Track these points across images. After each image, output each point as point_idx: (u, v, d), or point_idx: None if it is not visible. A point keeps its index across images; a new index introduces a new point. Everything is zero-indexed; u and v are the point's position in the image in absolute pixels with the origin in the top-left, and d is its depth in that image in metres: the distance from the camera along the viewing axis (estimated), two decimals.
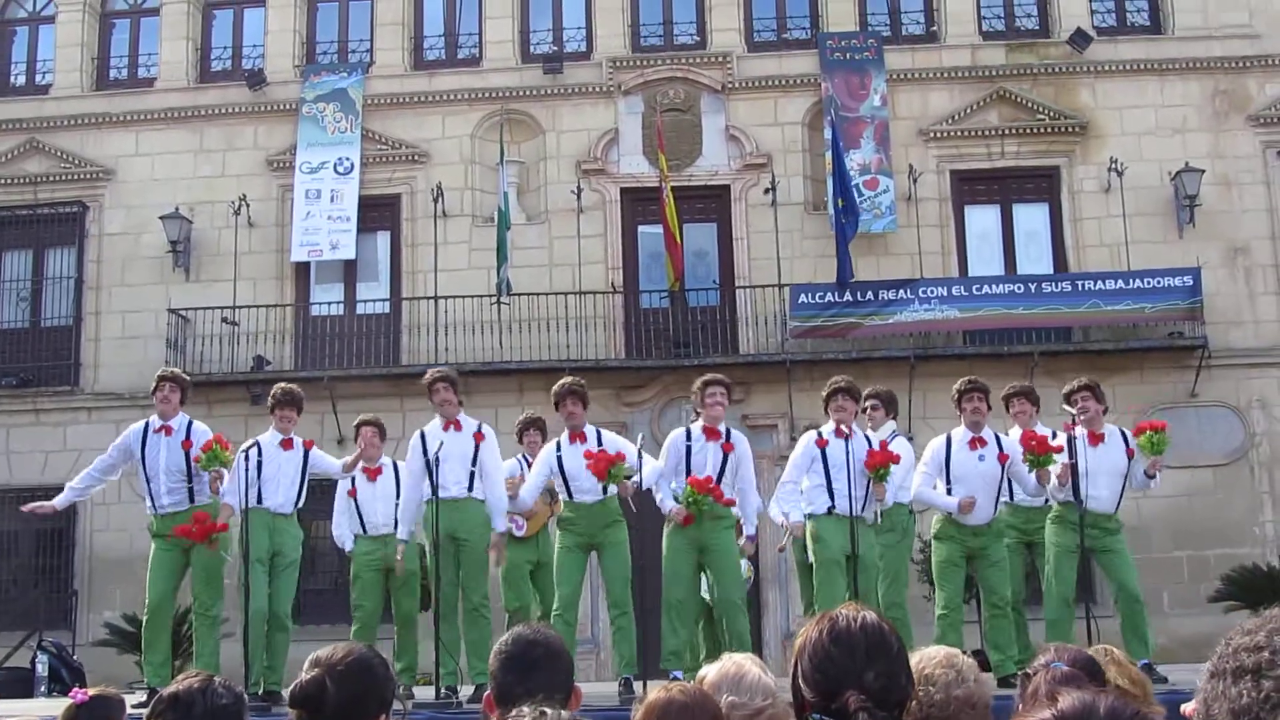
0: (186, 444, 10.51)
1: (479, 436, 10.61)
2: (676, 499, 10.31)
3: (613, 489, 10.35)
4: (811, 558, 10.56)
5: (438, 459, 10.25)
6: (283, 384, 11.34)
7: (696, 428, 10.55)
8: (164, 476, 10.50)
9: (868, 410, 11.60)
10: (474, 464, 10.52)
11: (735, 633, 10.15)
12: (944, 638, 10.42)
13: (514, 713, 2.22)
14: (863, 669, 2.99)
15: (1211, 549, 19.41)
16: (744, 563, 11.54)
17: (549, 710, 2.11)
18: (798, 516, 10.56)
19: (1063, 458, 10.29)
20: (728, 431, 10.55)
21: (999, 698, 4.32)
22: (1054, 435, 10.63)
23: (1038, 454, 10.23)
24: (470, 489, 10.51)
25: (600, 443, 10.49)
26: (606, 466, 10.13)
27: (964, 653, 3.84)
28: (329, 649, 3.58)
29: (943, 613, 10.65)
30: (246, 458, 10.48)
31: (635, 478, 10.27)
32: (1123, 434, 10.68)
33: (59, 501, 10.94)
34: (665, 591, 10.47)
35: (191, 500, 10.50)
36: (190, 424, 10.71)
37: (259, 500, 10.63)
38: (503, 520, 10.67)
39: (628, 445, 10.51)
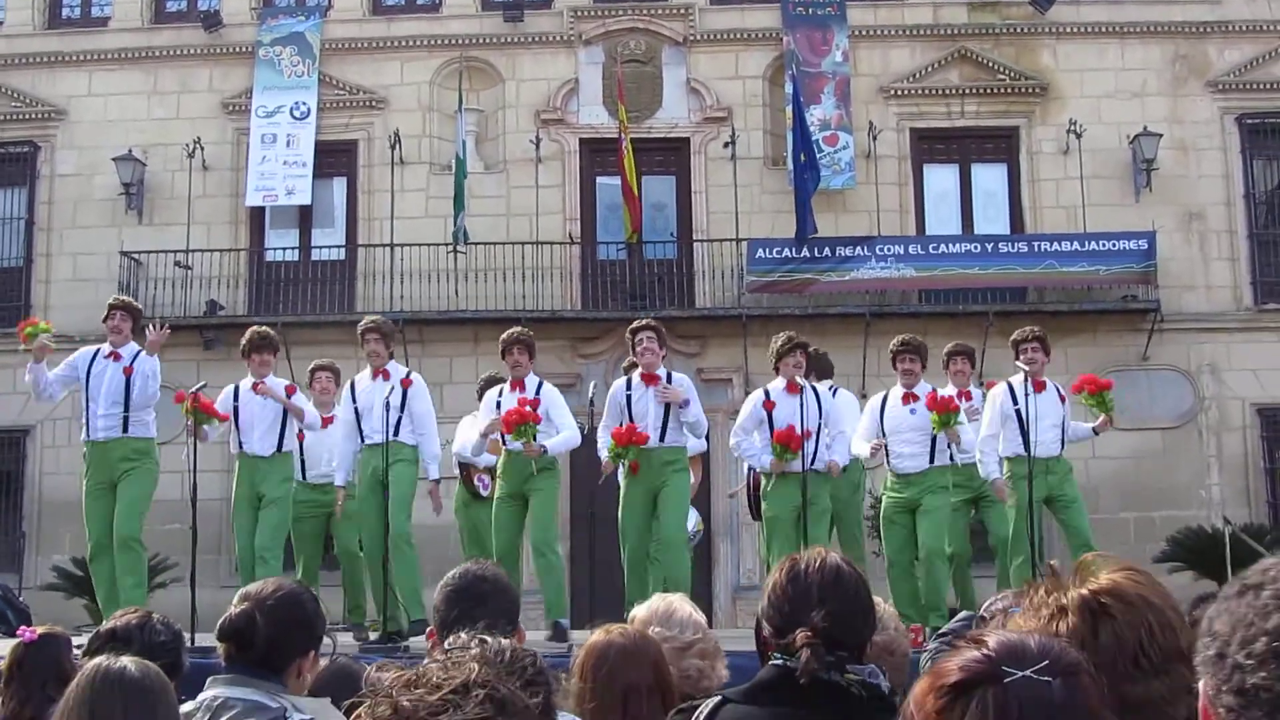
0: (128, 370, 10.47)
1: (406, 383, 10.58)
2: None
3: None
4: (764, 514, 10.69)
5: (358, 411, 10.40)
6: (256, 328, 11.28)
7: (635, 376, 10.58)
8: (103, 400, 10.45)
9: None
10: (401, 410, 10.45)
11: (673, 577, 10.15)
12: (892, 589, 10.57)
13: (451, 638, 2.20)
14: (814, 608, 2.99)
15: (1158, 510, 19.60)
16: (693, 514, 11.57)
17: (489, 638, 2.09)
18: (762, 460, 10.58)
19: (1003, 402, 10.65)
20: (668, 375, 10.54)
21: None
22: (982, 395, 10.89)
23: (941, 413, 10.34)
24: (396, 434, 10.44)
25: (538, 393, 10.45)
26: (516, 423, 10.03)
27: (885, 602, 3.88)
28: (259, 584, 3.55)
29: (888, 566, 10.80)
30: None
31: (544, 441, 10.19)
32: (1056, 388, 10.90)
33: (38, 370, 10.73)
34: (622, 541, 10.51)
35: (125, 430, 10.43)
36: (138, 353, 10.63)
37: (239, 446, 10.72)
38: (436, 468, 10.67)
39: (563, 409, 10.52)
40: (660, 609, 3.77)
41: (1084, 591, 2.18)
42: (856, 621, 3.06)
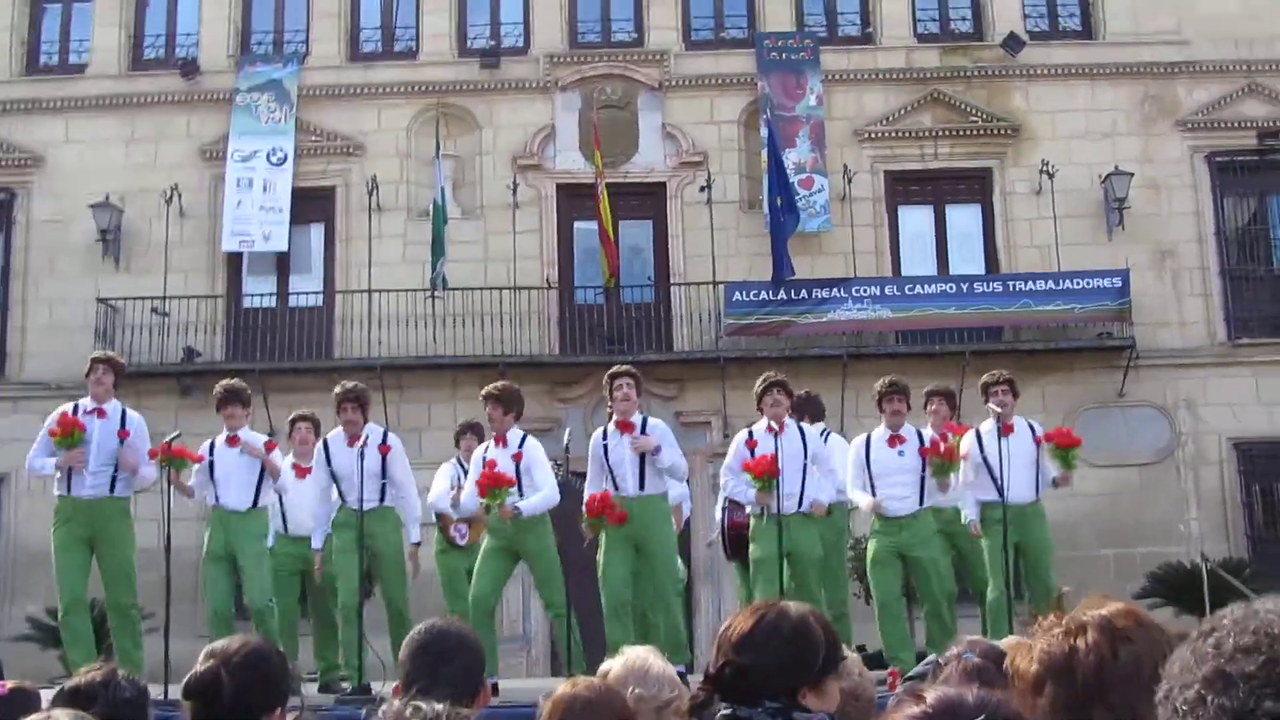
0: (123, 433, 10.41)
1: (384, 449, 10.50)
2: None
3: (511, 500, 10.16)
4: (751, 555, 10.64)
5: (335, 474, 10.40)
6: (225, 381, 11.26)
7: (611, 425, 10.54)
8: (92, 460, 10.34)
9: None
10: (382, 476, 10.42)
11: (669, 628, 10.13)
12: (882, 632, 10.57)
13: (384, 708, 2.20)
14: (724, 657, 3.03)
15: (1138, 547, 19.63)
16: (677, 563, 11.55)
17: (423, 705, 2.10)
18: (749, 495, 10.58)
19: (972, 448, 10.69)
20: (643, 422, 10.50)
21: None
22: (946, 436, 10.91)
23: (943, 461, 10.37)
24: (381, 499, 10.43)
25: (520, 446, 10.42)
26: (488, 487, 10.00)
27: (859, 649, 3.91)
28: (226, 640, 3.54)
29: (878, 609, 10.77)
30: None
31: (518, 503, 10.11)
32: (1029, 425, 10.90)
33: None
34: (603, 591, 10.46)
35: (112, 490, 10.38)
36: (125, 412, 10.61)
37: (215, 500, 10.70)
38: (417, 531, 10.67)
39: (543, 467, 10.48)
40: (636, 666, 3.76)
41: (1104, 613, 2.24)
42: (783, 671, 3.08)
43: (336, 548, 10.41)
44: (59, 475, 10.45)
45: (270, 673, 3.50)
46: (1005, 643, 4.53)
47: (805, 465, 10.48)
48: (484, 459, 10.40)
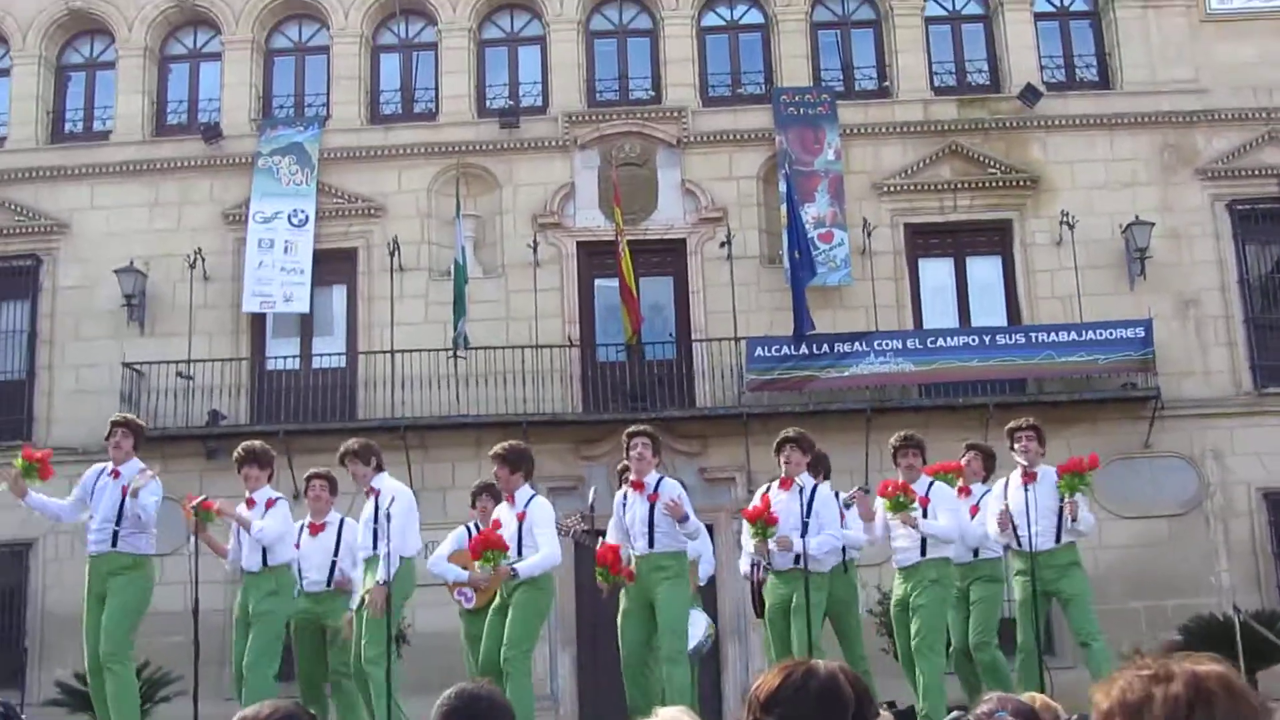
0: (126, 489, 10.49)
1: (374, 493, 10.59)
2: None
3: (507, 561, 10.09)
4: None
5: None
6: (246, 442, 11.32)
7: (628, 484, 10.61)
8: (99, 519, 10.54)
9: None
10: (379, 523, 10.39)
11: (675, 688, 10.05)
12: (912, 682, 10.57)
13: None
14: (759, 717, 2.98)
15: (1169, 599, 19.47)
16: (704, 620, 11.50)
17: None
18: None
19: (999, 499, 10.67)
20: (657, 482, 10.48)
21: None
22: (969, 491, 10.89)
23: (897, 500, 10.36)
24: (375, 548, 10.42)
25: (525, 506, 10.36)
26: (481, 550, 9.95)
27: (889, 705, 3.87)
28: (255, 707, 3.52)
29: (903, 661, 10.79)
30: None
31: (515, 564, 10.03)
32: (1055, 474, 10.86)
33: (32, 497, 10.73)
34: (620, 649, 10.46)
35: (114, 544, 10.47)
36: (139, 471, 10.68)
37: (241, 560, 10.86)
38: (388, 571, 10.51)
39: (545, 527, 10.41)
40: None
41: (1196, 669, 2.21)
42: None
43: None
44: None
45: None
46: (1030, 697, 4.51)
47: (805, 523, 10.44)
48: (490, 520, 10.51)
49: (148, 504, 10.48)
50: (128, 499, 10.45)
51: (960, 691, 11.05)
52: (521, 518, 10.27)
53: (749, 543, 10.77)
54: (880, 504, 10.67)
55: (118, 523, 10.48)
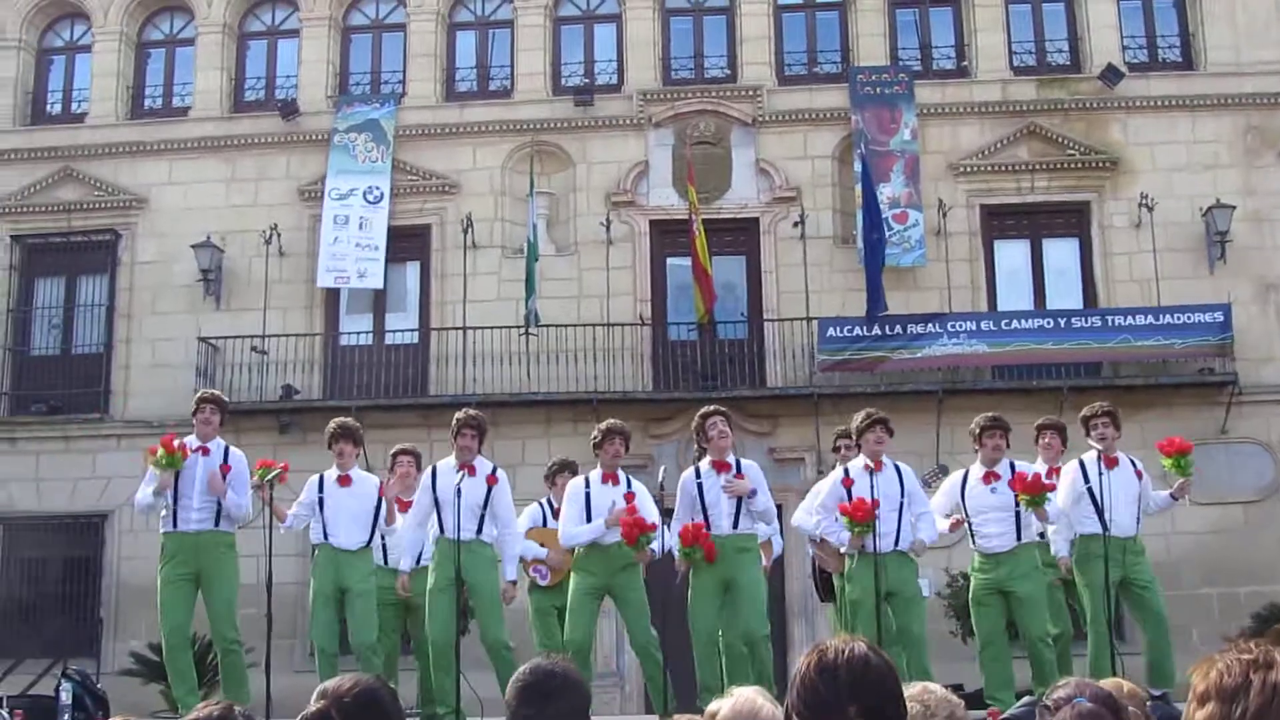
0: (225, 468, 10.58)
1: (492, 480, 10.54)
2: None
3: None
4: (848, 595, 10.53)
5: (438, 501, 10.34)
6: (339, 419, 11.37)
7: (705, 464, 10.46)
8: (197, 496, 10.51)
9: (840, 450, 11.52)
10: (484, 508, 10.45)
11: (760, 671, 10.05)
12: (984, 672, 10.42)
13: None
14: (846, 702, 2.94)
15: (1242, 586, 19.22)
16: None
17: None
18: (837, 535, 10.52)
19: (1075, 479, 10.55)
20: (738, 463, 10.44)
21: None
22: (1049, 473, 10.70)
23: (1032, 494, 10.19)
24: (479, 532, 10.46)
25: (630, 487, 10.44)
26: (637, 534, 10.05)
27: (956, 688, 3.83)
28: (337, 680, 3.53)
29: (980, 648, 10.63)
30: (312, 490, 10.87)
31: (655, 546, 10.27)
32: (1132, 461, 10.71)
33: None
34: (692, 630, 10.42)
35: (217, 524, 10.54)
36: (228, 449, 10.78)
37: (324, 537, 10.76)
38: (514, 569, 10.66)
39: (648, 501, 10.54)
40: (744, 711, 3.69)
41: None
42: (888, 713, 3.01)
43: (433, 585, 10.39)
44: (165, 513, 10.62)
45: (381, 712, 3.49)
46: (1116, 683, 4.45)
47: (902, 505, 10.37)
48: (586, 494, 10.49)
49: (236, 504, 10.61)
50: (232, 477, 10.55)
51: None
52: (630, 498, 10.37)
53: (832, 528, 10.62)
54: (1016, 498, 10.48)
55: (219, 503, 10.55)
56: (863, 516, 10.00)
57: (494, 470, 10.65)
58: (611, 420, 10.98)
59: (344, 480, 10.80)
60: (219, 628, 10.55)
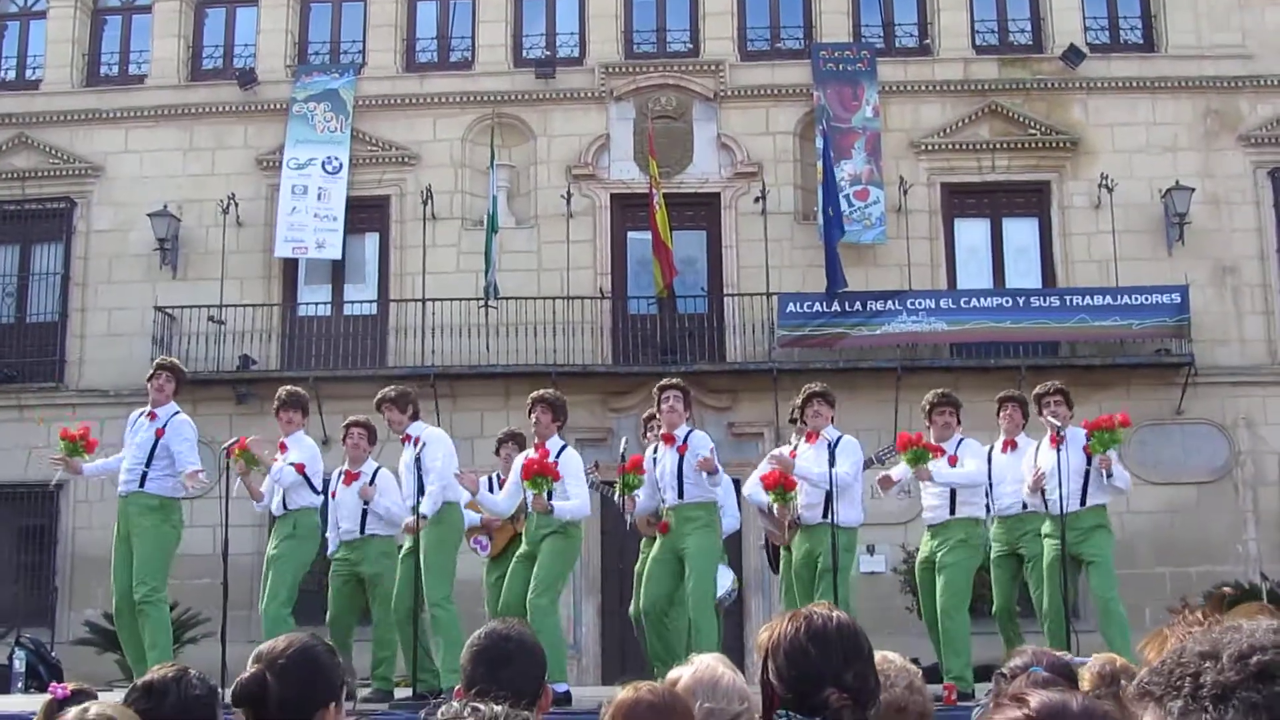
0: (160, 432, 10.53)
1: (415, 441, 10.64)
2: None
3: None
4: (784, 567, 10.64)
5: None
6: (288, 387, 11.33)
7: (659, 438, 10.61)
8: (129, 456, 10.57)
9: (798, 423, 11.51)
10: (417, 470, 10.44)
11: (703, 635, 10.03)
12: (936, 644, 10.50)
13: (441, 710, 2.17)
14: (840, 668, 2.96)
15: (1195, 566, 19.41)
16: (728, 574, 11.47)
17: (481, 706, 2.06)
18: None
19: (1018, 459, 10.63)
20: (686, 435, 10.45)
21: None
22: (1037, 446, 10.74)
23: (917, 450, 10.24)
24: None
25: (559, 456, 10.37)
26: (534, 472, 9.99)
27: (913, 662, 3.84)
28: (270, 643, 3.51)
29: (936, 619, 10.69)
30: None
31: (554, 502, 10.12)
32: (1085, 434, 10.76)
33: (88, 468, 10.90)
34: (642, 599, 10.46)
35: (141, 485, 10.51)
36: (174, 414, 10.70)
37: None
38: (430, 505, 10.47)
39: (579, 479, 10.49)
40: (705, 678, 3.67)
41: (1249, 627, 2.15)
42: (871, 681, 3.03)
43: (389, 553, 10.40)
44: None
45: (318, 670, 3.45)
46: (1109, 658, 4.46)
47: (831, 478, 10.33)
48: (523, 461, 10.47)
49: (181, 450, 10.54)
50: (165, 440, 10.52)
51: (992, 651, 11.01)
52: (545, 453, 10.31)
53: (756, 495, 10.70)
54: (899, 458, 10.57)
55: (147, 464, 10.51)
56: (772, 484, 10.10)
57: (419, 434, 10.73)
58: (540, 390, 10.92)
59: (281, 447, 10.83)
60: (133, 587, 10.44)
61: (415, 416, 10.85)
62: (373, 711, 9.37)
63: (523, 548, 10.48)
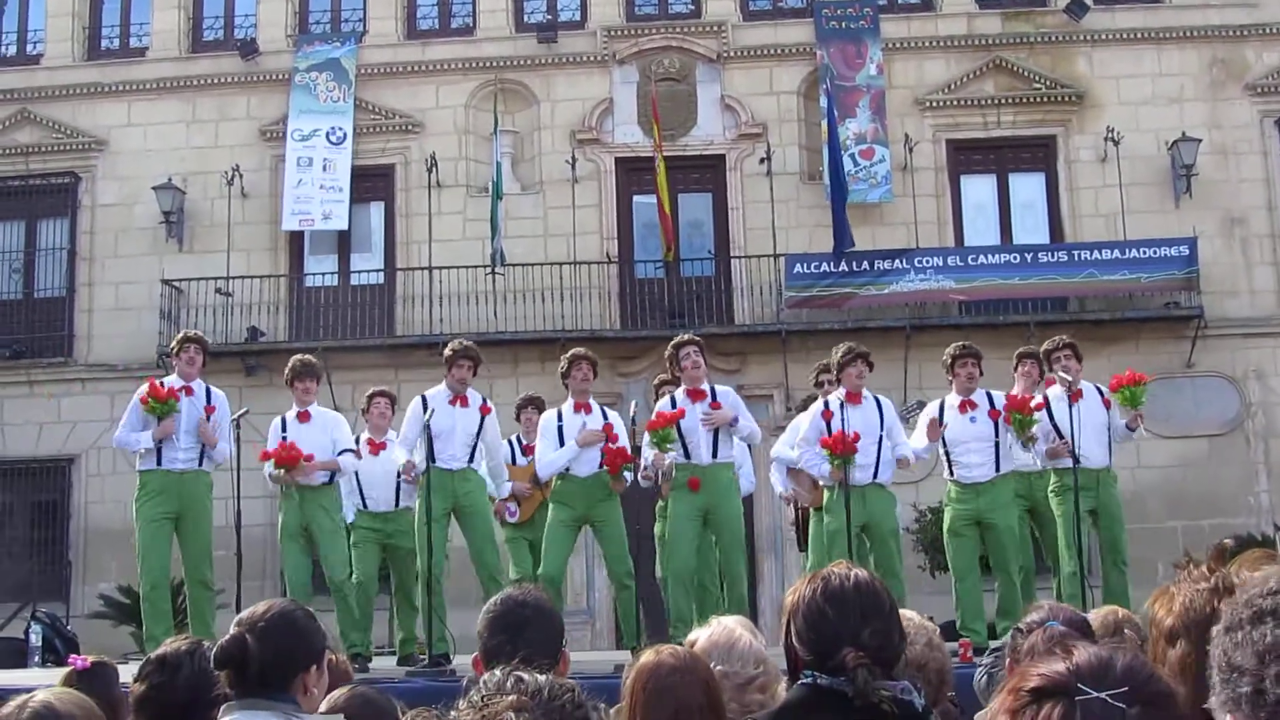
0: (209, 409, 10.49)
1: (485, 410, 10.56)
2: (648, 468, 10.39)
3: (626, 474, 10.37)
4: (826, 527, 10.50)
5: (429, 429, 10.22)
6: (298, 356, 11.27)
7: (680, 393, 10.40)
8: (183, 436, 10.40)
9: (823, 385, 11.47)
10: (477, 437, 10.48)
11: (736, 597, 10.11)
12: (960, 604, 10.42)
13: (486, 675, 2.16)
14: (858, 627, 2.95)
15: (1206, 519, 19.38)
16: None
17: (525, 675, 2.05)
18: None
19: (1043, 416, 10.47)
20: (711, 389, 10.42)
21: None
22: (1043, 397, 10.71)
23: (1022, 413, 10.21)
24: (471, 461, 10.48)
25: (605, 418, 10.43)
26: (621, 463, 10.14)
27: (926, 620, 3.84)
28: (252, 607, 3.54)
29: (956, 580, 10.62)
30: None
31: (628, 474, 10.33)
32: (1097, 389, 10.72)
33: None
34: (669, 559, 10.43)
35: (201, 463, 10.46)
36: (209, 390, 10.68)
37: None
38: (505, 487, 10.71)
39: (619, 422, 10.55)
40: (721, 641, 3.66)
41: (1258, 577, 2.14)
42: (894, 637, 3.02)
43: (431, 516, 10.25)
44: (143, 452, 10.52)
45: (297, 632, 3.48)
46: (1112, 609, 4.46)
47: (881, 438, 10.36)
48: (559, 426, 10.44)
49: (224, 451, 10.56)
50: (216, 418, 10.47)
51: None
52: (609, 428, 10.38)
53: (814, 461, 10.57)
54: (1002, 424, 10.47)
55: (202, 443, 10.46)
56: (843, 449, 10.00)
57: (485, 401, 10.67)
58: (577, 348, 10.95)
59: (304, 416, 10.72)
60: (196, 568, 10.46)
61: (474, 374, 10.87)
62: (391, 679, 9.38)
63: (564, 511, 10.40)
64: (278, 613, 3.50)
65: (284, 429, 10.70)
